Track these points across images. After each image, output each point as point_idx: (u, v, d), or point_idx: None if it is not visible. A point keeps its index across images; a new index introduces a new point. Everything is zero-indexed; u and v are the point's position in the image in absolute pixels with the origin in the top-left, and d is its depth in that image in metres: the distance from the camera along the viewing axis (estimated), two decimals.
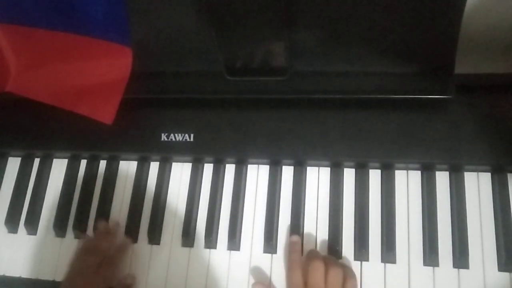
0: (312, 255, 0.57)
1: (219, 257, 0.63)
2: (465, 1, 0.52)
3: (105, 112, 0.65)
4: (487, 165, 0.60)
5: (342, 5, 0.54)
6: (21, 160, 0.75)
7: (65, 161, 0.73)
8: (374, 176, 0.63)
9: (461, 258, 0.57)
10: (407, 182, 0.62)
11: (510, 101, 0.60)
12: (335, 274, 0.54)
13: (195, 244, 0.65)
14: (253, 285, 0.59)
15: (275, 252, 0.62)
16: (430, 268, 0.58)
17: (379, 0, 0.53)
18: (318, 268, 0.54)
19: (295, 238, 0.61)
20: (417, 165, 0.62)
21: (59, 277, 0.66)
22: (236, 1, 0.56)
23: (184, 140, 0.66)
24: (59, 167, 0.73)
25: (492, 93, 0.61)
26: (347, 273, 0.55)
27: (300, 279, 0.55)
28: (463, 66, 0.59)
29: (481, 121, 0.60)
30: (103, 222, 0.67)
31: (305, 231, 0.63)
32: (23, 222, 0.71)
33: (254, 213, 0.64)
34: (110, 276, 0.62)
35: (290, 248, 0.60)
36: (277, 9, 0.55)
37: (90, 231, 0.68)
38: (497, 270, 0.57)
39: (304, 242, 0.62)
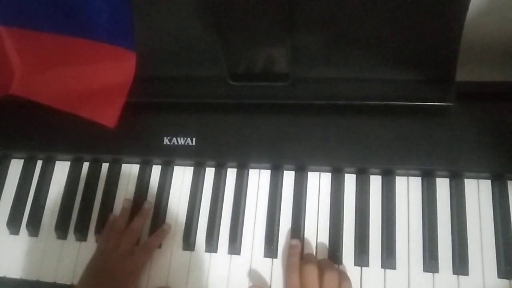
0: (306, 259, 0.58)
1: (220, 261, 0.64)
2: (466, 8, 0.52)
3: (108, 116, 0.66)
4: (487, 172, 0.60)
5: (343, 12, 0.55)
6: (24, 162, 0.75)
7: (68, 163, 0.73)
8: (375, 182, 0.63)
9: (461, 264, 0.57)
10: (408, 188, 0.62)
11: (510, 108, 0.60)
12: (331, 277, 0.54)
13: (196, 248, 0.65)
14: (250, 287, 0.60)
15: (276, 257, 0.62)
16: (430, 274, 0.58)
17: (380, 7, 0.54)
18: (311, 271, 0.55)
19: (295, 241, 0.61)
20: (417, 172, 0.62)
21: (60, 279, 0.67)
22: (240, 6, 0.56)
23: (186, 144, 0.67)
24: (61, 170, 0.73)
25: (493, 101, 0.61)
26: (342, 277, 0.56)
27: (297, 282, 0.56)
28: (464, 73, 0.60)
29: (481, 128, 0.60)
30: (129, 200, 0.68)
31: (305, 236, 0.63)
32: (25, 224, 0.71)
33: (255, 218, 0.65)
34: (144, 261, 0.63)
35: (289, 252, 0.61)
36: (280, 15, 0.56)
37: (91, 233, 0.68)
38: (496, 277, 0.57)
39: (305, 247, 0.62)
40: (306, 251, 0.62)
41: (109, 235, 0.65)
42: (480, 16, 0.62)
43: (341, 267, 0.60)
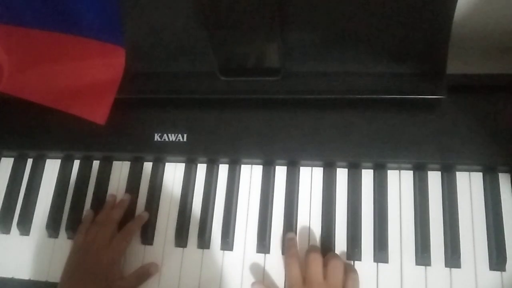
0: (311, 249, 0.58)
1: (212, 257, 0.63)
2: (455, 2, 0.52)
3: (98, 113, 0.65)
4: (478, 165, 0.60)
5: (334, 6, 0.55)
6: (14, 161, 0.74)
7: (58, 161, 0.73)
8: (367, 176, 0.63)
9: (453, 257, 0.57)
10: (400, 182, 0.62)
11: (502, 101, 0.61)
12: (334, 267, 0.54)
13: (188, 244, 0.65)
14: (252, 284, 0.59)
15: (268, 252, 0.62)
16: (422, 267, 0.58)
17: (370, 1, 0.54)
18: (315, 260, 0.55)
19: (291, 234, 0.61)
20: (409, 165, 0.62)
21: (52, 277, 0.66)
22: (229, 1, 0.56)
23: (177, 140, 0.66)
24: (52, 168, 0.73)
25: (485, 94, 0.61)
26: (348, 269, 0.55)
27: (298, 273, 0.56)
28: (456, 66, 0.60)
29: (473, 121, 0.60)
30: (113, 195, 0.68)
31: (298, 230, 0.63)
32: (16, 223, 0.70)
33: (247, 213, 0.65)
34: (123, 248, 0.63)
35: (287, 244, 0.60)
36: (270, 9, 0.56)
37: None
38: (488, 269, 0.57)
39: (297, 241, 0.62)
40: (299, 245, 0.62)
41: (86, 229, 0.64)
42: (470, 8, 0.62)
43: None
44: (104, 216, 0.65)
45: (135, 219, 0.65)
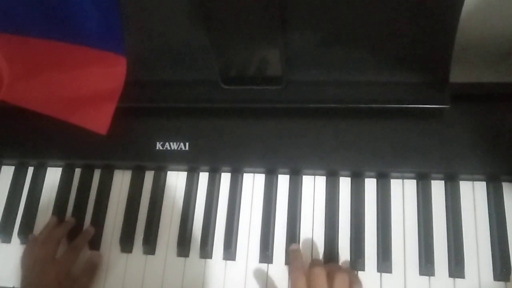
0: (313, 263, 0.57)
1: (215, 267, 0.63)
2: (460, 10, 0.52)
3: (99, 123, 0.65)
4: (482, 174, 0.60)
5: (336, 15, 0.54)
6: (15, 169, 0.74)
7: (59, 170, 0.72)
8: (370, 185, 0.63)
9: (457, 267, 0.57)
10: (403, 191, 0.62)
11: (505, 110, 0.60)
12: (341, 280, 0.53)
13: (190, 254, 0.64)
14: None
15: (271, 262, 0.62)
16: (426, 277, 0.58)
17: (374, 10, 0.53)
18: (319, 275, 0.54)
19: (295, 246, 0.61)
20: (412, 174, 0.62)
21: None
22: (231, 10, 0.55)
23: (179, 149, 0.66)
24: (53, 176, 0.72)
25: (488, 102, 0.61)
26: (352, 280, 0.55)
27: (304, 286, 0.55)
28: (459, 75, 0.59)
29: (476, 130, 0.60)
30: (54, 216, 0.69)
31: (301, 240, 0.62)
32: (17, 232, 0.70)
33: (250, 223, 0.64)
34: (70, 261, 0.63)
35: (291, 256, 0.60)
36: (272, 18, 0.55)
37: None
38: (492, 280, 0.57)
39: (300, 251, 0.62)
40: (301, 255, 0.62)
41: (34, 246, 0.65)
42: (476, 16, 0.61)
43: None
44: (45, 235, 0.65)
45: (82, 233, 0.67)
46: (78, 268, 0.64)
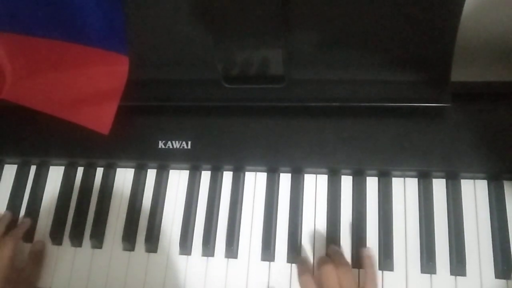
0: (322, 261, 0.57)
1: (217, 265, 0.63)
2: (461, 9, 0.52)
3: (101, 122, 0.65)
4: (483, 173, 0.60)
5: (338, 13, 0.55)
6: (17, 168, 0.74)
7: (62, 168, 0.73)
8: (372, 184, 0.63)
9: (458, 265, 0.57)
10: (404, 189, 0.62)
11: (506, 108, 0.60)
12: (348, 277, 0.54)
13: (192, 252, 0.64)
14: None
15: (273, 260, 0.62)
16: (428, 275, 0.58)
17: (375, 8, 0.53)
18: (330, 273, 0.54)
19: (302, 258, 0.61)
20: (414, 173, 0.62)
21: (56, 285, 0.66)
22: (234, 9, 0.56)
23: (181, 147, 0.66)
24: (55, 175, 0.73)
25: (489, 101, 0.61)
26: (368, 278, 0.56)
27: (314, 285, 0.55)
28: (460, 74, 0.60)
29: (477, 128, 0.60)
30: (8, 213, 0.70)
31: (302, 238, 0.63)
32: None
33: (252, 221, 0.64)
34: (7, 252, 0.64)
35: (299, 270, 0.59)
36: (274, 17, 0.55)
37: (86, 239, 0.68)
38: (494, 277, 0.57)
39: (302, 249, 0.62)
40: (303, 253, 0.62)
41: None
42: (476, 15, 0.62)
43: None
44: None
45: (18, 225, 0.69)
46: (23, 259, 0.66)
